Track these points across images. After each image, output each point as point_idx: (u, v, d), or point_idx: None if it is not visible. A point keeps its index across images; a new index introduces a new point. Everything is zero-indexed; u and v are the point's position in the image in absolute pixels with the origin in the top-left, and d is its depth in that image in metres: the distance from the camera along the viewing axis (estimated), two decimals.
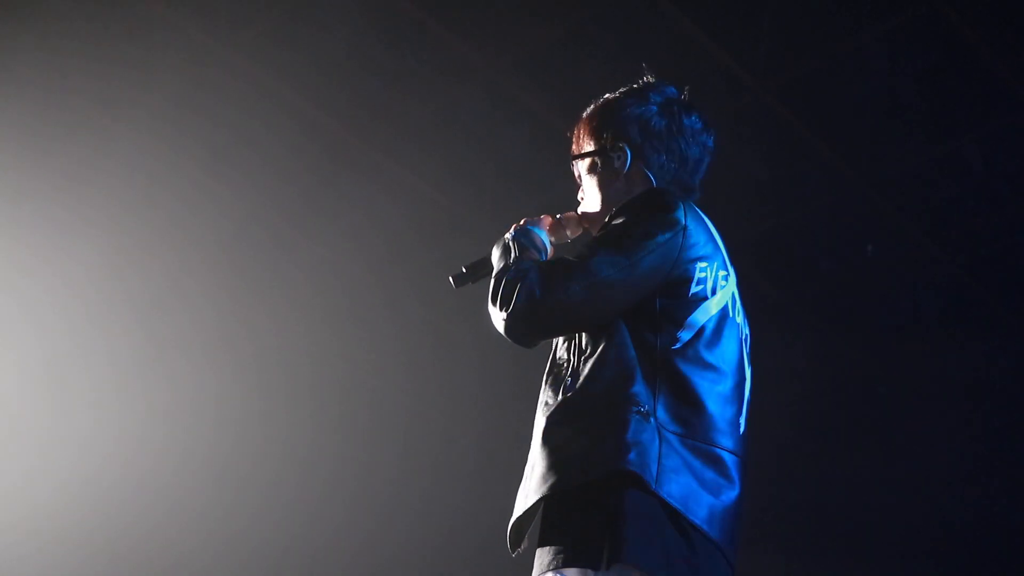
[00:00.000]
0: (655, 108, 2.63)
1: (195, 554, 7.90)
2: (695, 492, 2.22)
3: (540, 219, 2.66)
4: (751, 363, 2.53)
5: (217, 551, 7.91)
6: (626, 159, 2.60)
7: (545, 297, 2.29)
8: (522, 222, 2.64)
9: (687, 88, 2.72)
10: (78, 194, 6.45)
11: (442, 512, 8.19)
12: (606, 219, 2.49)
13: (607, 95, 2.71)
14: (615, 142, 2.61)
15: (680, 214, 2.38)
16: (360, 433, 7.98)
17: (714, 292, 2.38)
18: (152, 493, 7.73)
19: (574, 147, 2.71)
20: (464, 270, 2.68)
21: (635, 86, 2.70)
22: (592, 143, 2.66)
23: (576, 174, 2.74)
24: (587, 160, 2.66)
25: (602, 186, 2.63)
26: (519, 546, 2.36)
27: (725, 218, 2.76)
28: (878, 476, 7.90)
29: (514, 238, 2.53)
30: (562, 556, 2.18)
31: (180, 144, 6.29)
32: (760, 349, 2.69)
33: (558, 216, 2.69)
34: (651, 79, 2.72)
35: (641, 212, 2.40)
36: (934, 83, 5.75)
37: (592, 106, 2.72)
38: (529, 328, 2.34)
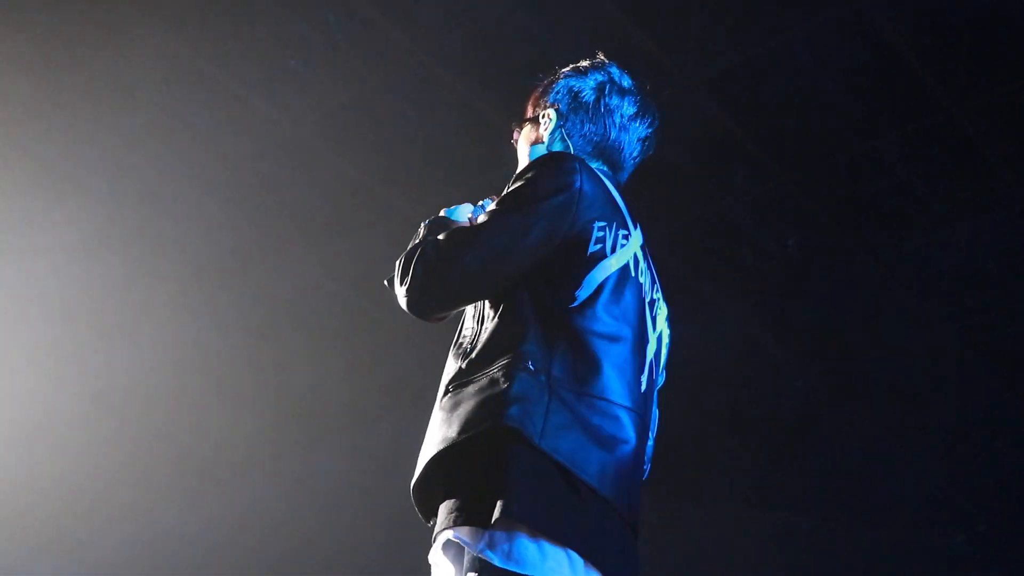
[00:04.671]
0: (591, 83, 2.66)
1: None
2: (586, 448, 2.22)
3: (459, 207, 2.66)
4: (657, 326, 2.54)
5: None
6: (551, 125, 2.64)
7: (441, 269, 2.32)
8: (441, 212, 2.64)
9: (639, 75, 2.73)
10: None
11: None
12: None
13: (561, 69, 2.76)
14: (546, 108, 2.67)
15: (575, 176, 2.38)
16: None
17: (613, 251, 2.38)
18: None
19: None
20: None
21: (584, 63, 2.73)
22: (530, 111, 2.73)
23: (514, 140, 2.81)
24: (524, 126, 2.72)
25: (526, 150, 2.68)
26: (433, 514, 2.32)
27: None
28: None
29: (426, 224, 2.56)
30: (455, 515, 2.19)
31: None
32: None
33: (480, 203, 2.67)
34: (604, 59, 2.74)
35: (536, 176, 2.41)
36: (858, 82, 5.84)
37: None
38: (429, 301, 2.36)
